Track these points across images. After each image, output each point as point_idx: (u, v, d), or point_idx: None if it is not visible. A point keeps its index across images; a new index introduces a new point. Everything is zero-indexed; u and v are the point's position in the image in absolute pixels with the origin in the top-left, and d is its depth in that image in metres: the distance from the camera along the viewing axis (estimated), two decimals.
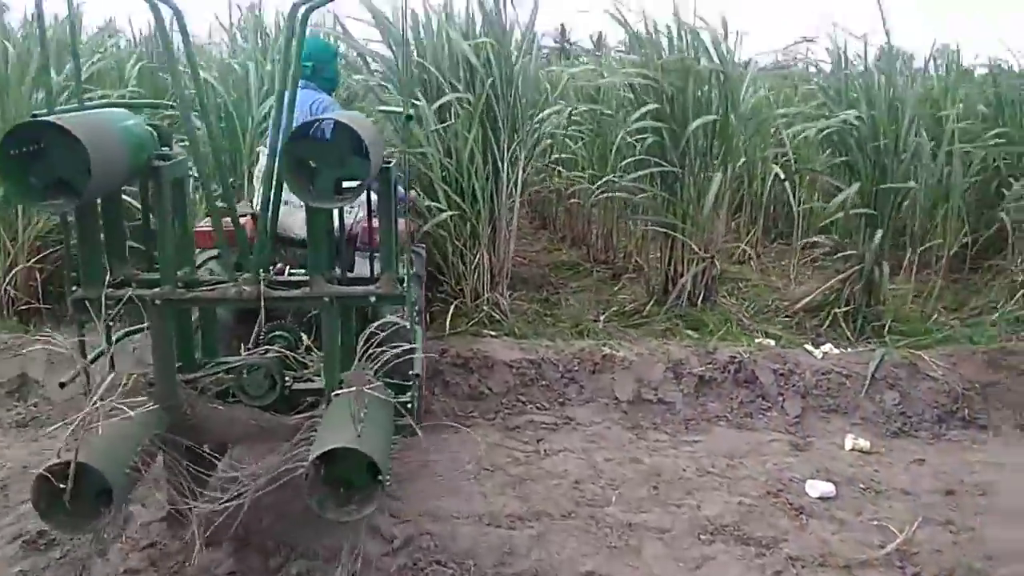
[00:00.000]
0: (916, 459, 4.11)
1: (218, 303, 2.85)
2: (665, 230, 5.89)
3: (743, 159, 5.99)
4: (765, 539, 3.31)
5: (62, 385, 2.86)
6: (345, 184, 2.54)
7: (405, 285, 2.81)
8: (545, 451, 4.11)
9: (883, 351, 4.86)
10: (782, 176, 6.88)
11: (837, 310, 5.76)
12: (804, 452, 4.20)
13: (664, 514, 3.52)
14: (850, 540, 3.32)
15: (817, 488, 3.69)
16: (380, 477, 2.38)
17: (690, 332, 5.48)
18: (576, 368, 4.81)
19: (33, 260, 5.10)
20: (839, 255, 5.97)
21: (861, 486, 3.80)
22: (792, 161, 6.77)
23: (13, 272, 5.07)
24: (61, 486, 2.18)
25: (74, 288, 2.65)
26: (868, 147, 5.58)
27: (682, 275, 5.87)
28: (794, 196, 6.77)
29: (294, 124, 4.09)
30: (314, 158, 2.51)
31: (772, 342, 5.26)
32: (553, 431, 4.38)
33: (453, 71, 5.47)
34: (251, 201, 3.95)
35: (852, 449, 4.23)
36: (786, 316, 5.96)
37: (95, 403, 2.28)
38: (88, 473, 2.21)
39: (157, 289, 2.67)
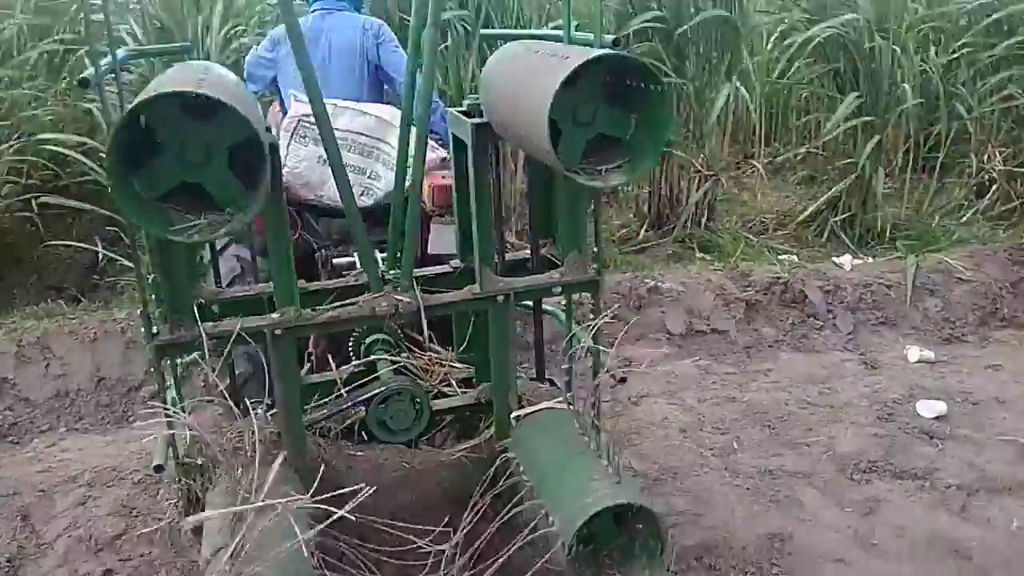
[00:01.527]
0: (989, 365, 4.06)
1: (364, 321, 2.13)
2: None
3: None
4: (917, 470, 3.14)
5: (158, 469, 1.99)
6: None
7: (598, 268, 2.18)
8: (631, 399, 3.75)
9: (915, 259, 4.80)
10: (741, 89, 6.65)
11: (833, 220, 5.70)
12: (879, 369, 4.07)
13: (799, 456, 3.27)
14: (997, 460, 3.20)
15: (931, 408, 3.55)
16: (658, 529, 1.83)
17: (703, 256, 5.24)
18: (618, 304, 4.44)
19: None
20: (832, 166, 5.85)
21: (958, 400, 3.70)
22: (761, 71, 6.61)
23: None
24: None
25: (154, 331, 1.88)
26: (864, 52, 5.42)
27: (680, 197, 5.60)
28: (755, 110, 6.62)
29: (350, 53, 3.36)
30: (570, 111, 1.73)
31: (794, 258, 5.10)
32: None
33: None
34: None
35: (918, 361, 4.14)
36: (780, 231, 5.84)
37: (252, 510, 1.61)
38: None
39: (276, 315, 1.97)
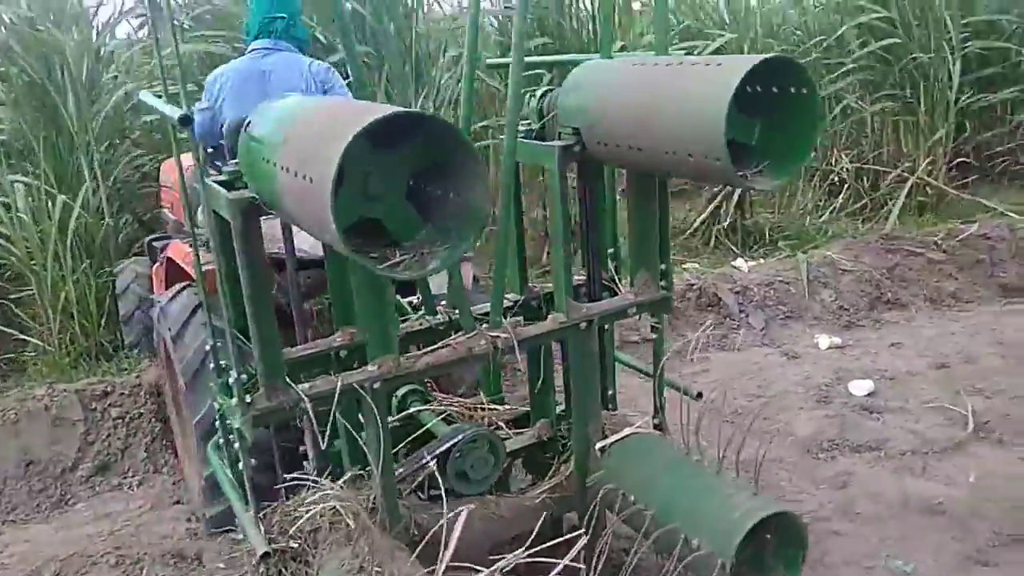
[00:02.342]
0: (891, 343, 4.49)
1: (462, 363, 1.99)
2: None
3: None
4: (871, 442, 3.42)
5: (266, 556, 1.75)
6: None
7: (667, 284, 2.20)
8: None
9: (804, 256, 5.22)
10: None
11: (717, 227, 6.10)
12: (800, 358, 4.39)
13: (764, 445, 3.46)
14: (934, 425, 3.53)
15: (861, 387, 3.89)
16: (802, 536, 1.85)
17: None
18: None
19: None
20: None
21: (877, 377, 4.06)
22: None
23: None
24: None
25: (247, 399, 1.71)
26: None
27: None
28: None
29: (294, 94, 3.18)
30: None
31: (696, 265, 5.41)
32: None
33: None
34: None
35: (829, 347, 4.51)
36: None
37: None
38: None
39: (373, 367, 1.81)
